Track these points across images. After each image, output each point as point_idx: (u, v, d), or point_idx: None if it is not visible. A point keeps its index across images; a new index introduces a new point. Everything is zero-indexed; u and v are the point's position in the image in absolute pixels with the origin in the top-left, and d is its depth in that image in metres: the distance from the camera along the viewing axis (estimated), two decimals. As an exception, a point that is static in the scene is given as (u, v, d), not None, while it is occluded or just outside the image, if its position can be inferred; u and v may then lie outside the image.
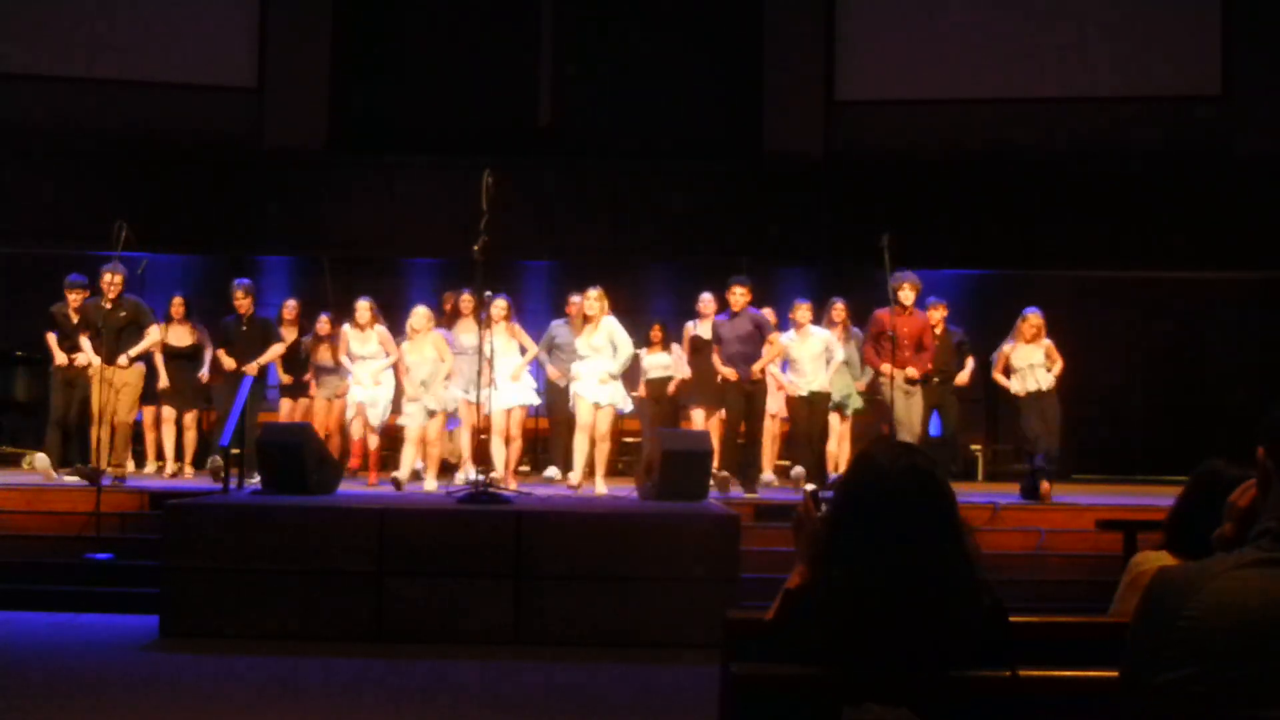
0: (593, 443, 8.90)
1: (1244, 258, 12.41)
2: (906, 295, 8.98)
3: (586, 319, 8.96)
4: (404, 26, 13.66)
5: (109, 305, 8.97)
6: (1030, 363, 9.04)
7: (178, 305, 10.13)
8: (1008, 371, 9.20)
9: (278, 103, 13.06)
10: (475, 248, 7.83)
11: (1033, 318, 9.14)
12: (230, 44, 13.22)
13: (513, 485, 8.99)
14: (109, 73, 12.84)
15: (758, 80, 13.25)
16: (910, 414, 8.94)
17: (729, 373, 8.98)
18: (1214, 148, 12.71)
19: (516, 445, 9.47)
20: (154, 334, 9.28)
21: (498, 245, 8.12)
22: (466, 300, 9.67)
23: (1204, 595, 1.67)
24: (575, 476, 8.98)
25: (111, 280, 8.98)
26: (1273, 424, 1.77)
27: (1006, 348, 9.23)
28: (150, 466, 10.31)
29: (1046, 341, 9.13)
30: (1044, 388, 9.03)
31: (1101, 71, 12.89)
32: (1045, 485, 8.86)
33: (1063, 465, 9.49)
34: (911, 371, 8.96)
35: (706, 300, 9.79)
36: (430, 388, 9.18)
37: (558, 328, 9.87)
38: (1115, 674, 1.86)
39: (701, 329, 9.71)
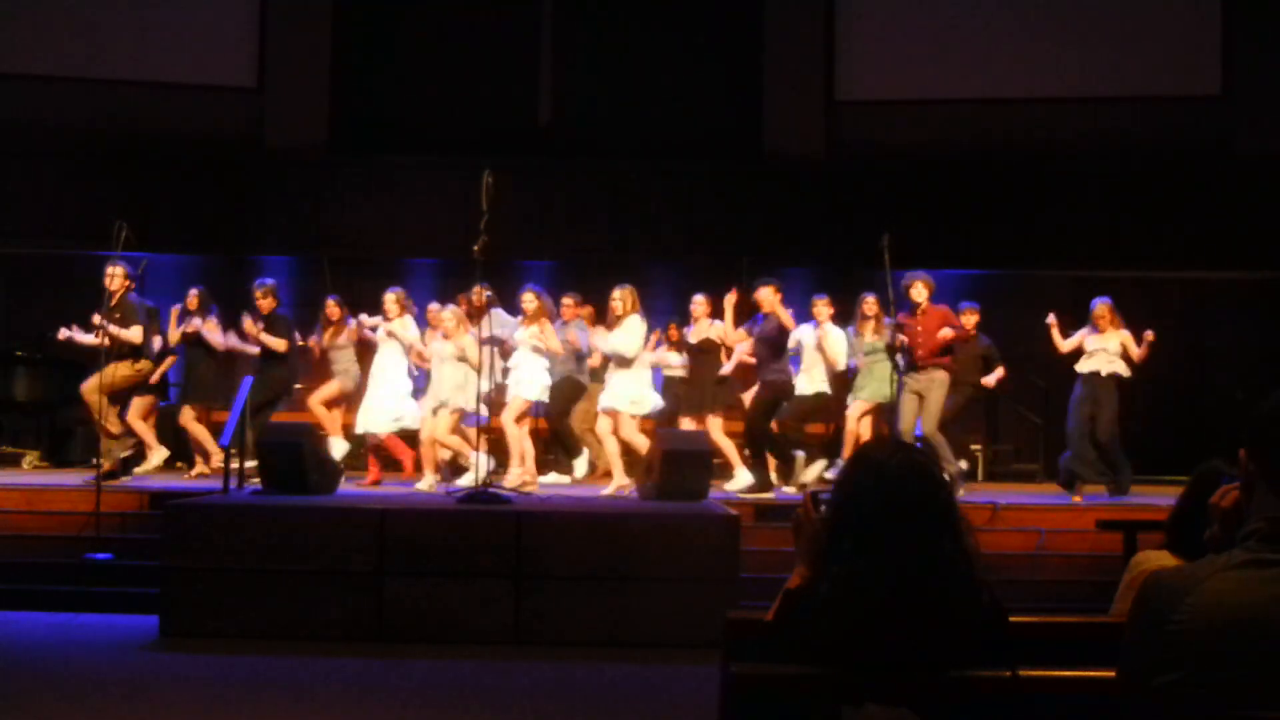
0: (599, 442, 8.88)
1: (1244, 258, 12.40)
2: (920, 293, 8.97)
3: (616, 319, 8.77)
4: (404, 26, 13.66)
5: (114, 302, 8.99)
6: (1103, 347, 9.07)
7: (193, 298, 10.08)
8: (1078, 353, 9.20)
9: (278, 103, 13.05)
10: (475, 248, 7.84)
11: (1101, 308, 9.19)
12: (230, 44, 13.22)
13: (532, 483, 8.92)
14: (109, 73, 12.83)
15: (758, 80, 13.24)
16: (929, 411, 8.91)
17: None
18: (1214, 148, 12.70)
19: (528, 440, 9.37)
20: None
21: (498, 245, 8.12)
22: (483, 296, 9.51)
23: (1194, 598, 1.68)
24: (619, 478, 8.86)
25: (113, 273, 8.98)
26: (1254, 426, 1.77)
27: (1081, 335, 9.24)
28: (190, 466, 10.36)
29: (1124, 332, 9.13)
30: (1103, 372, 9.02)
31: (1102, 71, 12.88)
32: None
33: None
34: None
35: (699, 302, 9.54)
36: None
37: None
38: (1115, 674, 1.87)
39: (695, 332, 9.51)
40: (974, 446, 12.27)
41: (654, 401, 9.16)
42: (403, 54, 13.55)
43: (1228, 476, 2.78)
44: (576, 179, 12.90)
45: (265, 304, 9.80)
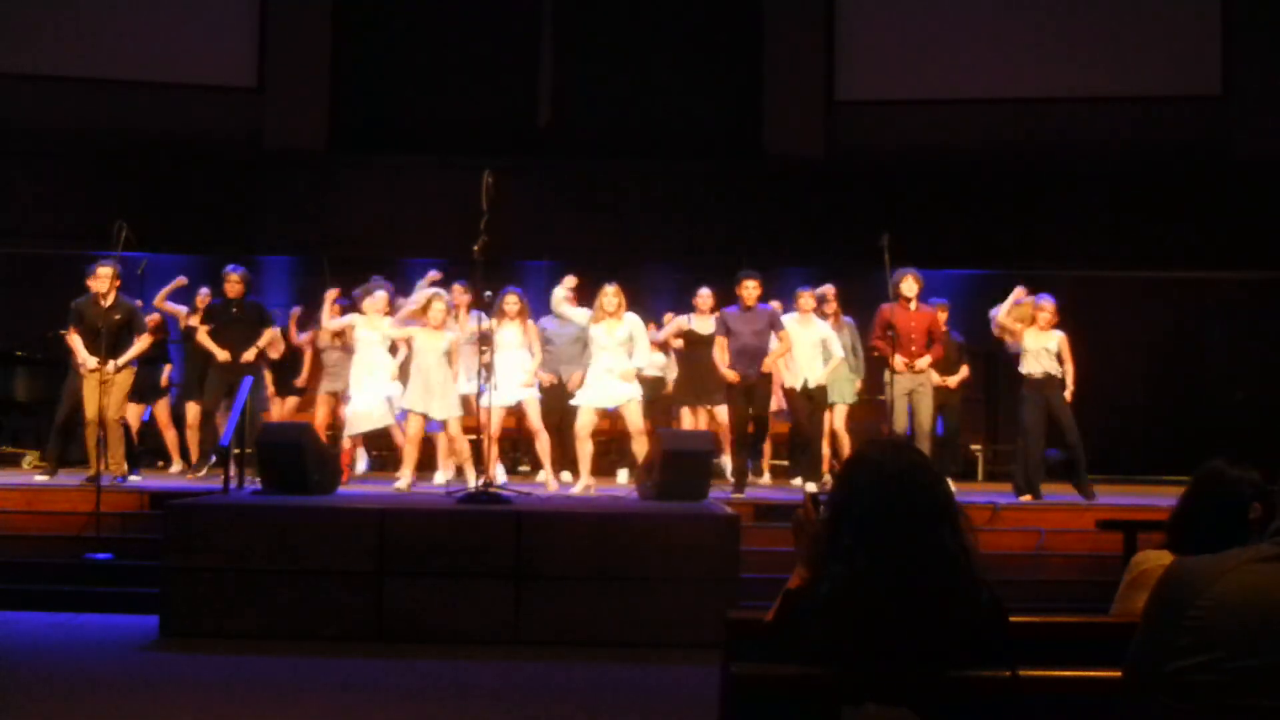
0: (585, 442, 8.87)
1: (1244, 258, 12.41)
2: (910, 287, 8.98)
3: (606, 314, 8.85)
4: (404, 26, 13.66)
5: (106, 305, 8.89)
6: (1044, 346, 8.91)
7: (203, 299, 10.18)
8: (1018, 349, 9.06)
9: (278, 103, 13.06)
10: (475, 248, 7.84)
11: (1048, 306, 9.02)
12: (230, 44, 13.23)
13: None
14: (110, 73, 12.84)
15: (758, 80, 13.26)
16: (921, 413, 8.91)
17: (730, 375, 8.86)
18: (1214, 148, 12.71)
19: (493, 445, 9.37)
20: (144, 341, 9.20)
21: (498, 245, 8.13)
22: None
23: (1219, 586, 1.70)
24: (583, 482, 8.81)
25: (102, 274, 8.87)
26: None
27: (1018, 324, 9.09)
28: (176, 465, 10.36)
29: (1060, 334, 8.99)
30: (1054, 374, 8.86)
31: (1101, 71, 12.89)
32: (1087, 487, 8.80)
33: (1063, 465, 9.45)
34: (921, 362, 8.95)
35: (705, 295, 9.58)
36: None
37: (546, 321, 9.85)
38: (1115, 674, 1.87)
39: (697, 324, 9.54)
40: (974, 446, 12.28)
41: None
42: (403, 54, 13.55)
43: (1238, 477, 2.77)
44: (576, 179, 12.91)
45: (234, 289, 9.59)
